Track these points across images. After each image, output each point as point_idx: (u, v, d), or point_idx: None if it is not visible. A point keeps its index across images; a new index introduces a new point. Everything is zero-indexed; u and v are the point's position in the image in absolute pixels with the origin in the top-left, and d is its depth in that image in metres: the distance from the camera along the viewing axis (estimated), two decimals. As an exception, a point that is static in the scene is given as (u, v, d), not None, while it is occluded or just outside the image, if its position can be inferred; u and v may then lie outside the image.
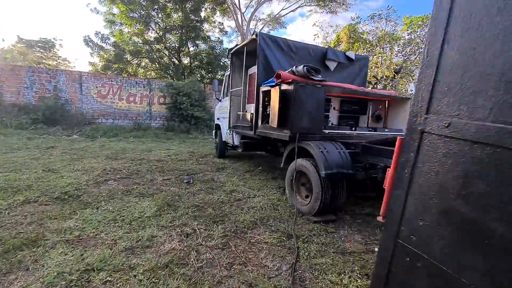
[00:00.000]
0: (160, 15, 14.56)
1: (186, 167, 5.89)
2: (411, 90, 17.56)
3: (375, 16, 15.56)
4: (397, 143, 2.55)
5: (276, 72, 3.71)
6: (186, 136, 11.48)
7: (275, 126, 3.69)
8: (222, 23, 17.63)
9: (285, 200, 4.00)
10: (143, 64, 16.50)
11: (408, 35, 16.26)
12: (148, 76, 15.68)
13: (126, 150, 7.58)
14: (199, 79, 15.31)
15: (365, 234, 3.12)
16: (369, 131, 4.49)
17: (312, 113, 3.70)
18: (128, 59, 15.23)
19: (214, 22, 17.53)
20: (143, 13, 14.28)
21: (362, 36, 16.96)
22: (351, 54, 5.34)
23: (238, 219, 3.24)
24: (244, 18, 17.41)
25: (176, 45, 15.11)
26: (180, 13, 14.79)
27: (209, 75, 16.36)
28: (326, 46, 5.24)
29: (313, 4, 19.02)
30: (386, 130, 4.62)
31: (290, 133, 3.59)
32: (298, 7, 18.49)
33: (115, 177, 4.73)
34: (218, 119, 7.53)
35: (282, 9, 18.66)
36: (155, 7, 14.33)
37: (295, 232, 2.95)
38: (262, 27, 19.37)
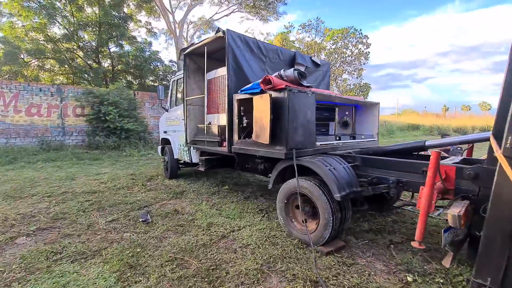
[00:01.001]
0: (68, 8, 11.90)
1: (133, 197, 4.59)
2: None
3: (306, 26, 16.60)
4: (432, 158, 2.25)
5: (263, 77, 3.06)
6: (117, 153, 9.53)
7: (267, 142, 3.02)
8: (150, 23, 15.77)
9: (277, 228, 3.37)
10: (47, 66, 13.20)
11: (332, 45, 17.93)
12: (56, 82, 12.63)
13: (35, 181, 5.58)
14: (124, 85, 13.19)
15: (383, 258, 2.76)
16: (349, 139, 4.28)
17: (305, 125, 3.20)
18: (24, 59, 11.91)
19: (140, 21, 15.51)
20: (45, 3, 11.40)
21: (293, 44, 17.84)
22: (316, 59, 5.13)
23: (239, 270, 2.44)
24: (175, 20, 16.00)
25: (94, 44, 12.63)
26: (96, 8, 12.45)
27: (138, 80, 14.31)
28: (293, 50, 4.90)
29: (244, 11, 19.05)
30: (363, 137, 4.52)
31: (285, 149, 2.99)
32: (231, 12, 18.20)
33: (27, 230, 3.19)
34: (165, 132, 6.34)
35: (216, 13, 18.02)
36: (62, -3, 11.66)
37: (317, 276, 2.35)
38: (195, 32, 18.29)
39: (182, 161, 5.89)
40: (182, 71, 5.77)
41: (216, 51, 4.70)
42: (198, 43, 4.39)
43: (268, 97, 2.95)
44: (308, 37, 16.97)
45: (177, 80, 5.88)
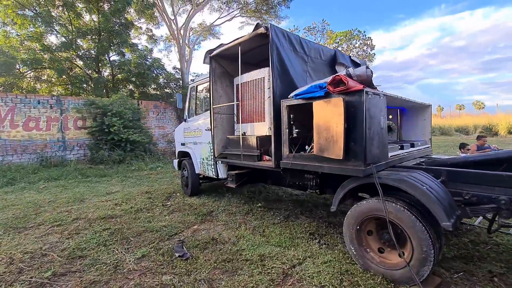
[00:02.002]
0: (66, 15, 11.31)
1: (157, 222, 3.97)
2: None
3: (311, 29, 16.26)
4: None
5: (332, 77, 2.51)
6: (125, 168, 8.86)
7: (340, 157, 2.46)
8: (151, 29, 15.25)
9: (346, 260, 2.77)
10: (44, 77, 12.53)
11: (337, 47, 17.59)
12: (54, 93, 11.96)
13: (40, 205, 4.90)
14: (127, 94, 12.59)
15: (499, 300, 2.19)
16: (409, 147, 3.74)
17: (379, 133, 2.66)
18: (20, 70, 11.25)
19: (141, 28, 14.98)
20: (40, 11, 10.81)
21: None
22: (355, 58, 4.62)
23: (332, 331, 1.84)
24: (178, 26, 15.51)
25: (93, 52, 12.02)
26: (95, 15, 11.90)
27: (140, 89, 13.69)
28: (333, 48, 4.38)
29: (245, 16, 18.70)
30: (419, 144, 3.99)
31: (363, 165, 2.42)
32: (233, 18, 17.81)
33: (41, 277, 2.55)
34: (183, 144, 5.74)
35: (218, 18, 17.57)
36: (58, 3, 11.08)
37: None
38: (197, 39, 17.79)
39: (202, 176, 5.29)
40: (201, 76, 5.22)
41: (246, 52, 4.17)
42: (230, 43, 3.85)
43: (341, 102, 2.40)
44: (314, 40, 16.62)
45: (197, 86, 5.32)
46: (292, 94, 3.02)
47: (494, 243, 3.16)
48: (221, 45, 4.05)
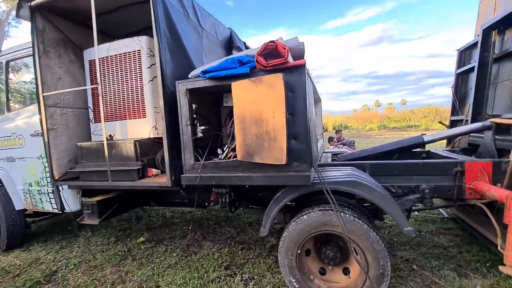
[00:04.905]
0: None
1: None
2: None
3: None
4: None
5: (264, 45, 1.68)
6: None
7: (282, 162, 1.68)
8: None
9: (285, 297, 2.08)
10: None
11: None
12: None
13: None
14: None
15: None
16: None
17: (314, 125, 2.12)
18: None
19: None
20: None
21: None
22: (251, 47, 4.05)
23: None
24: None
25: None
26: None
27: None
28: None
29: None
30: (317, 138, 3.91)
31: (309, 169, 1.78)
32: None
33: None
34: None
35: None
36: None
37: None
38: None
39: (26, 210, 3.20)
40: (17, 46, 3.10)
41: (109, 13, 2.72)
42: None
43: (281, 81, 1.63)
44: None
45: (7, 62, 3.14)
46: (195, 72, 1.99)
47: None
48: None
